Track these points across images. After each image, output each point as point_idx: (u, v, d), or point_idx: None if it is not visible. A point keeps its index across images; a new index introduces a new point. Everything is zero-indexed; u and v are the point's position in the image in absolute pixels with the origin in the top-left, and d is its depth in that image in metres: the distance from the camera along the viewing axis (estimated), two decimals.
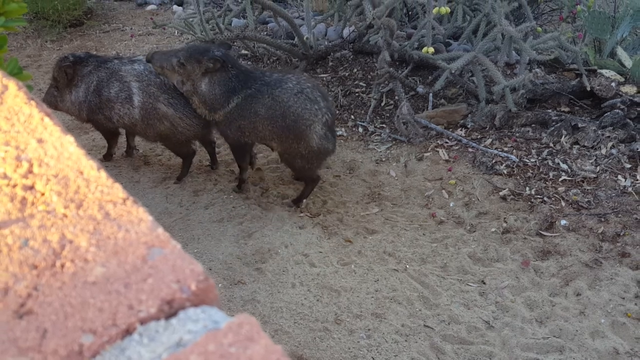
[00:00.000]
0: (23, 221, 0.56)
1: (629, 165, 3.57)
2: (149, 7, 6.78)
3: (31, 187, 0.59)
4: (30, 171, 0.61)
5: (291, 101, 3.16)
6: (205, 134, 3.60)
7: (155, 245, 0.53)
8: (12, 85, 0.73)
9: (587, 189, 3.46)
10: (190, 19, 4.92)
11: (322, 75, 4.83)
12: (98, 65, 3.48)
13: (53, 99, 3.57)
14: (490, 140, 3.91)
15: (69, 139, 0.64)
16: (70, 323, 0.47)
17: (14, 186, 0.59)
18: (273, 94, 3.18)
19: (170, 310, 0.48)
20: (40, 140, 0.64)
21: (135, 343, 0.46)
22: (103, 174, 0.60)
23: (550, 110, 4.06)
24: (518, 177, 3.59)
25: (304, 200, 3.48)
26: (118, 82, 3.40)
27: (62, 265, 0.51)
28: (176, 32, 5.84)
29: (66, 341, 0.46)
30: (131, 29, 6.21)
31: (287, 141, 3.24)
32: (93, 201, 0.57)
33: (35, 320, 0.47)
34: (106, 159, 3.90)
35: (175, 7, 6.65)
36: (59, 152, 0.62)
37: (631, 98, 3.90)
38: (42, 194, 0.58)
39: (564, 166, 3.61)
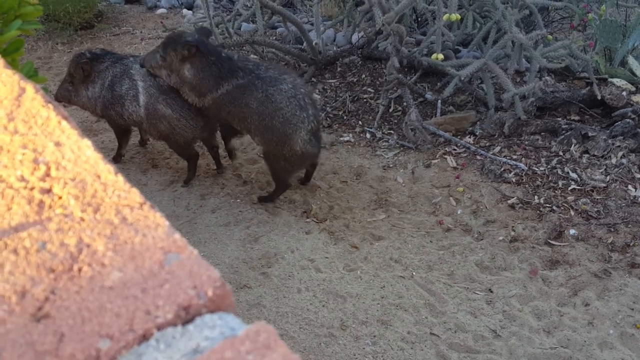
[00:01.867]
0: (40, 224, 0.56)
1: (639, 175, 3.56)
2: (159, 11, 6.81)
3: (49, 190, 0.59)
4: (47, 174, 0.61)
5: (283, 103, 3.20)
6: (206, 137, 3.62)
7: (172, 251, 0.53)
8: (29, 88, 0.73)
9: (597, 199, 3.44)
10: (200, 23, 4.94)
11: (331, 80, 4.84)
12: (114, 61, 3.55)
13: (67, 94, 3.66)
14: (499, 148, 3.90)
15: (87, 142, 0.64)
16: (87, 327, 0.47)
17: (32, 189, 0.59)
18: (267, 91, 3.21)
19: (186, 316, 0.48)
20: (57, 144, 0.64)
21: (152, 349, 0.45)
22: (120, 178, 0.60)
23: (560, 119, 4.05)
24: (527, 186, 3.58)
25: (313, 207, 3.48)
26: (128, 79, 3.50)
27: (80, 269, 0.51)
28: None
29: (83, 346, 0.46)
30: (141, 32, 6.23)
31: (271, 141, 3.28)
32: (110, 205, 0.57)
33: (52, 324, 0.47)
34: (115, 161, 3.92)
35: (185, 11, 6.67)
36: (77, 155, 0.62)
37: None
38: (60, 197, 0.58)
39: (574, 175, 3.60)
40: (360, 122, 4.34)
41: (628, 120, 3.84)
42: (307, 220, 3.42)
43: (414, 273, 3.06)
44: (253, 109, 3.23)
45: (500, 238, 3.25)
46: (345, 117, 4.40)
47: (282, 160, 3.32)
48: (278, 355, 0.44)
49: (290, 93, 3.21)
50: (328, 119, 4.39)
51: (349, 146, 4.09)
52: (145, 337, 0.46)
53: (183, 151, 3.67)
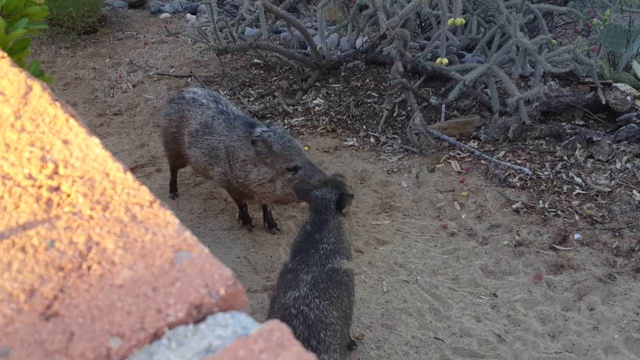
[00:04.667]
0: (49, 222, 0.55)
1: None
2: (163, 15, 6.82)
3: (57, 188, 0.58)
4: (55, 172, 0.60)
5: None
6: None
7: (182, 249, 0.52)
8: (36, 86, 0.73)
9: (602, 203, 3.42)
10: (204, 28, 4.94)
11: (334, 85, 4.83)
12: None
13: None
14: (503, 152, 3.89)
15: (95, 140, 0.63)
16: (97, 326, 0.46)
17: (40, 187, 0.58)
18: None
19: (198, 315, 0.47)
20: (65, 142, 0.63)
21: (163, 348, 0.45)
22: (129, 176, 0.59)
23: (564, 124, 4.04)
24: (531, 190, 3.56)
25: None
26: None
27: (89, 268, 0.50)
28: (189, 41, 5.87)
29: (94, 344, 0.45)
30: (145, 36, 6.24)
31: None
32: (119, 203, 0.56)
33: (61, 323, 0.46)
34: None
35: (188, 15, 6.68)
36: (85, 153, 0.62)
37: None
38: (68, 195, 0.58)
39: (578, 180, 3.58)
40: (364, 127, 4.33)
41: (633, 124, 3.83)
42: None
43: (418, 277, 3.04)
44: None
45: (505, 242, 3.24)
46: (349, 122, 4.39)
47: None
48: (292, 354, 0.43)
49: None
50: (332, 123, 4.38)
51: (353, 150, 4.08)
52: (156, 336, 0.45)
53: None
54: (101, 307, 0.47)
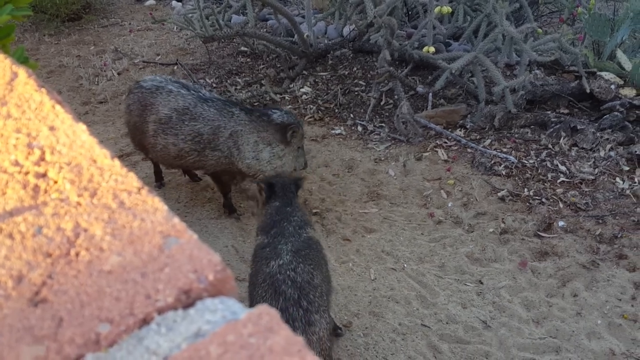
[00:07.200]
0: (36, 209, 0.55)
1: (627, 168, 3.58)
2: (148, 3, 6.76)
3: (44, 175, 0.58)
4: (42, 159, 0.60)
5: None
6: None
7: (171, 235, 0.52)
8: (22, 72, 0.72)
9: (585, 191, 3.46)
10: (190, 15, 4.91)
11: (322, 73, 4.82)
12: None
13: None
14: (489, 140, 3.91)
15: (82, 127, 0.63)
16: (86, 312, 0.46)
17: (26, 173, 0.58)
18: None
19: (187, 301, 0.47)
20: (52, 128, 0.63)
21: (153, 333, 0.45)
22: (117, 162, 0.59)
23: (549, 112, 4.06)
24: (517, 178, 3.59)
25: (305, 199, 3.47)
26: None
27: (77, 254, 0.50)
28: (175, 28, 5.82)
29: (82, 330, 0.45)
30: (130, 24, 6.18)
31: None
32: (107, 190, 0.56)
33: (50, 309, 0.46)
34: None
35: (174, 2, 6.63)
36: (72, 140, 0.61)
37: (630, 101, 3.91)
38: (55, 182, 0.57)
39: (563, 168, 3.62)
40: (351, 115, 4.33)
41: (616, 113, 3.87)
42: None
43: (405, 265, 3.06)
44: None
45: (491, 230, 3.26)
46: (336, 110, 4.39)
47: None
48: (281, 338, 0.43)
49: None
50: (319, 112, 4.38)
51: (341, 139, 4.08)
52: (146, 321, 0.46)
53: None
54: (90, 293, 0.47)
